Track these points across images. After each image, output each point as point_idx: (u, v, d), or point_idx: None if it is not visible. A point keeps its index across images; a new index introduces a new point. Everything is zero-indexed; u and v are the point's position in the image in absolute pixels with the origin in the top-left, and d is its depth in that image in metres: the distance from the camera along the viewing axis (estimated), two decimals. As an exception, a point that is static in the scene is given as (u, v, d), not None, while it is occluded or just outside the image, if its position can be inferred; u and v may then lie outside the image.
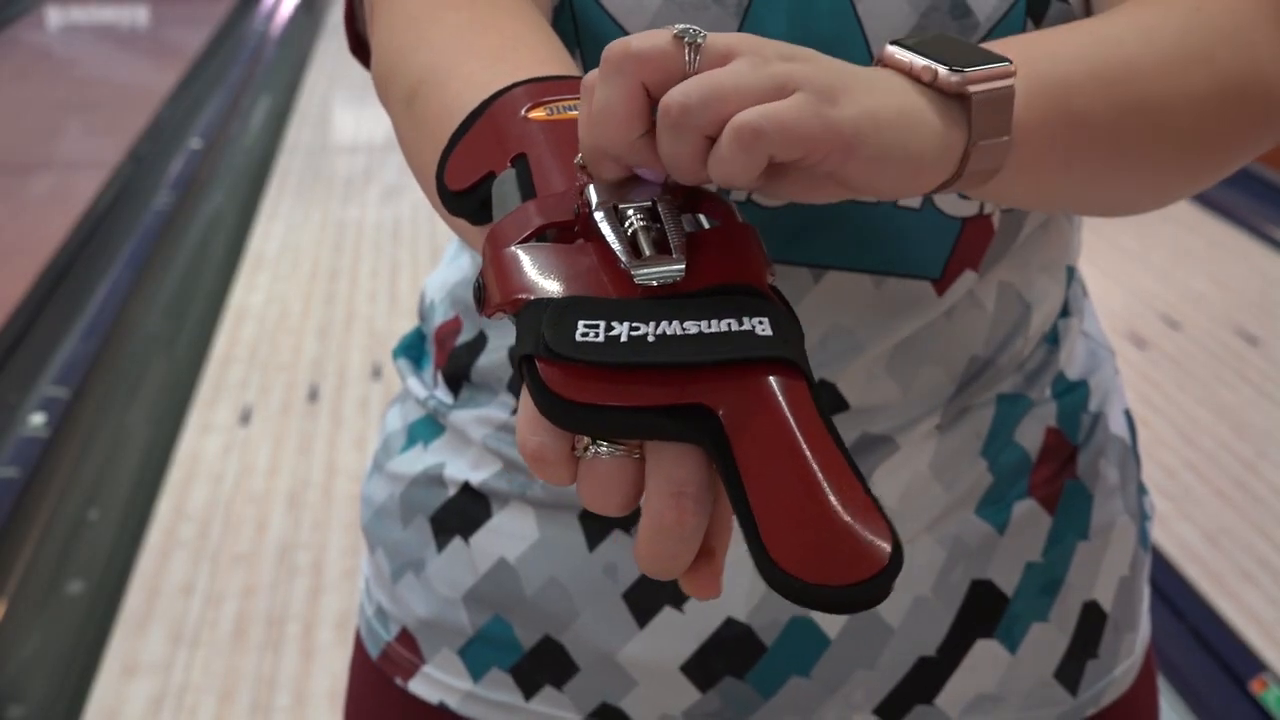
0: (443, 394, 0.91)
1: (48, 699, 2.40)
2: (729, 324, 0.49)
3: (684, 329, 0.49)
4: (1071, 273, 0.90)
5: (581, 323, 0.49)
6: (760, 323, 0.50)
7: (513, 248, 0.52)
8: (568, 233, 0.53)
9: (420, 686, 0.90)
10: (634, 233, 0.51)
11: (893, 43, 0.60)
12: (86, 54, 7.56)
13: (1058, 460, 0.88)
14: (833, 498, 0.46)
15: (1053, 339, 0.88)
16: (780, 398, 0.48)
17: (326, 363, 3.56)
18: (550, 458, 0.49)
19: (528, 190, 0.55)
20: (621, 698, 0.86)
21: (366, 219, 4.65)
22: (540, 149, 0.57)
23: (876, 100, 0.55)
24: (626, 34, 0.76)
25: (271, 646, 2.48)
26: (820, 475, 0.47)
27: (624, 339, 0.48)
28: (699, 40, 0.53)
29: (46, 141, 5.85)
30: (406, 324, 3.65)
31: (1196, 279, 4.07)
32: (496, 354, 0.87)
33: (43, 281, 4.05)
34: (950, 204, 0.80)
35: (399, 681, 0.90)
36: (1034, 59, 0.64)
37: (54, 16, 8.24)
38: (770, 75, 0.53)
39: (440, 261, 0.96)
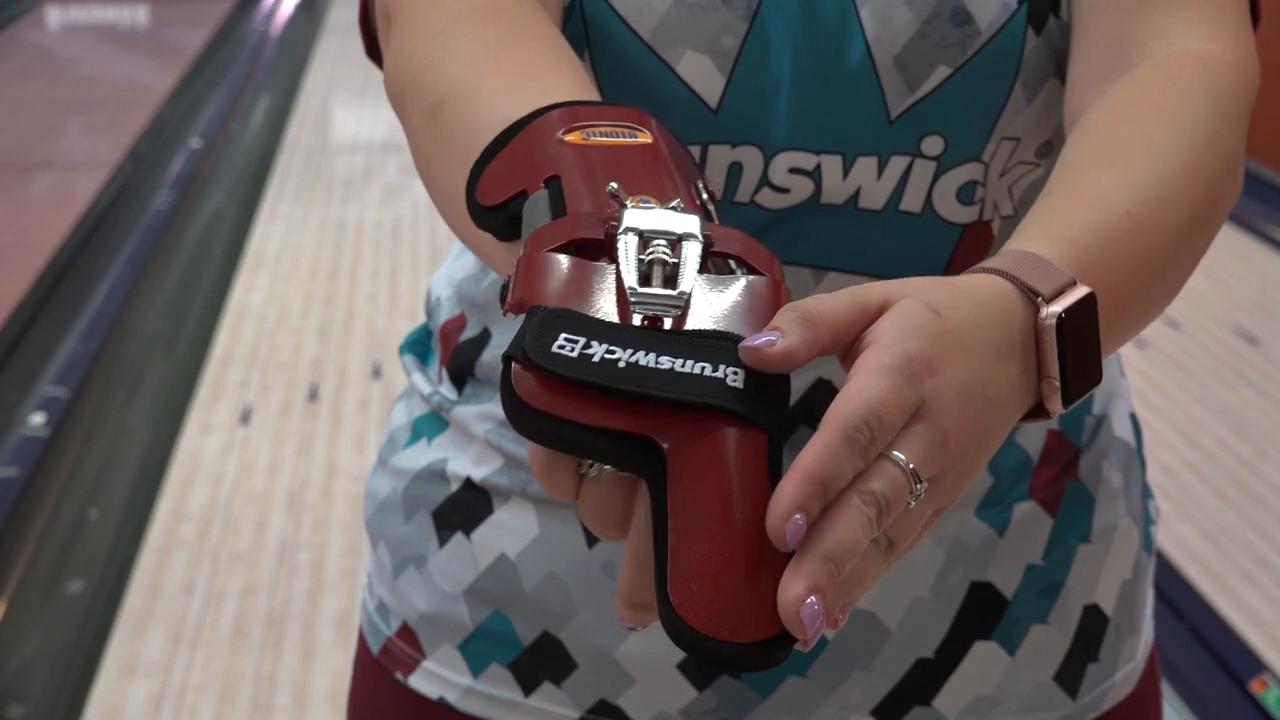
0: (447, 389, 0.91)
1: (48, 699, 2.40)
2: (703, 367, 0.50)
3: (657, 363, 0.49)
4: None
5: (564, 335, 0.50)
6: (734, 374, 0.50)
7: (544, 253, 0.53)
8: (597, 250, 0.54)
9: (420, 681, 0.90)
10: (651, 262, 0.52)
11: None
12: (86, 54, 7.56)
13: (1059, 462, 0.88)
14: (745, 556, 0.47)
15: (1054, 339, 0.88)
16: (728, 450, 0.49)
17: (326, 363, 3.56)
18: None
19: (559, 211, 0.56)
20: (619, 695, 0.86)
21: (366, 219, 4.65)
22: (573, 173, 0.57)
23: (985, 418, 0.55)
24: (636, 35, 0.76)
25: (271, 646, 2.48)
26: (740, 531, 0.47)
27: (596, 359, 0.49)
28: None
29: (46, 141, 5.85)
30: (406, 324, 3.65)
31: (1196, 279, 4.01)
32: (500, 350, 0.88)
33: (43, 281, 4.05)
34: (950, 210, 0.80)
35: (400, 676, 0.90)
36: (1084, 269, 0.62)
37: (54, 16, 8.24)
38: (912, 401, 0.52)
39: (444, 260, 0.96)
